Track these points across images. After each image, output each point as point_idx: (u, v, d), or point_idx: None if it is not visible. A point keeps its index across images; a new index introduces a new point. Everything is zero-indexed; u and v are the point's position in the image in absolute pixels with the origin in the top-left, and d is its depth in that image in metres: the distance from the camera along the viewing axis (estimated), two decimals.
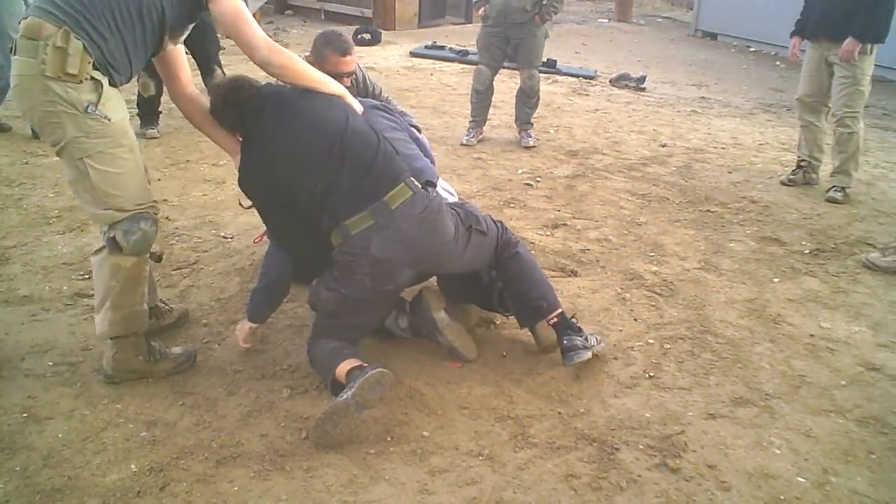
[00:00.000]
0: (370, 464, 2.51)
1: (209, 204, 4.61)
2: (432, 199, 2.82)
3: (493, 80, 6.07)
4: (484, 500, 2.38)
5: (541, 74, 6.32)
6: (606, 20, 13.96)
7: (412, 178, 2.79)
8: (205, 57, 5.80)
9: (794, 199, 5.20)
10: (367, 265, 2.71)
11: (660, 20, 14.51)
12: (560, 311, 3.07)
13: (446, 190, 3.45)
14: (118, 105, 2.62)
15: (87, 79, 2.49)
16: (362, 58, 8.39)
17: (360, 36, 10.34)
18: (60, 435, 2.58)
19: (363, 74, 3.93)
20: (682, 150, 6.30)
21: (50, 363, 2.97)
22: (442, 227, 2.82)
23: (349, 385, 2.56)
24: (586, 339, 3.03)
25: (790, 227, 4.67)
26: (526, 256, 3.11)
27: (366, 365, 2.63)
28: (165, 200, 4.56)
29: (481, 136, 6.30)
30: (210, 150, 5.61)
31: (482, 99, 6.14)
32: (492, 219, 3.12)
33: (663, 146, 6.38)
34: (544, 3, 5.69)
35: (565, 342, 2.99)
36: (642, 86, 8.70)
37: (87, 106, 2.50)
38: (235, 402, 2.79)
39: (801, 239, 4.50)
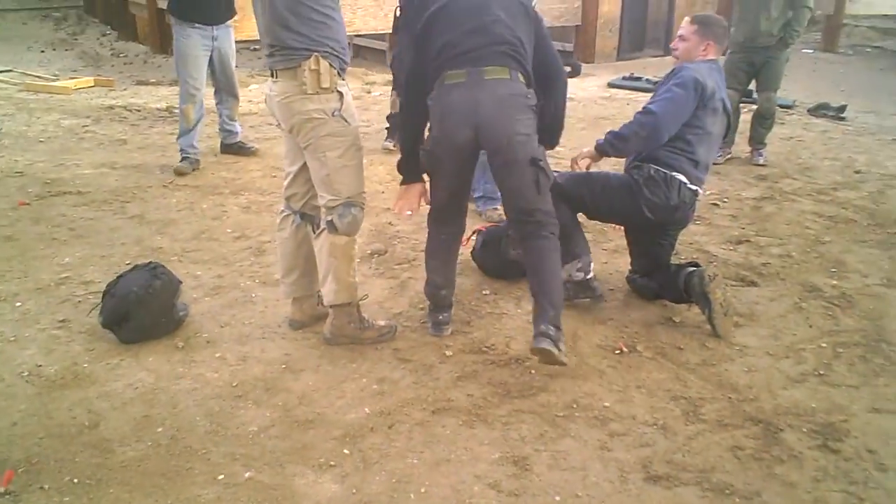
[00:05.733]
0: (558, 423, 2.97)
1: (425, 211, 5.22)
2: (523, 95, 3.17)
3: (738, 103, 6.44)
4: (656, 459, 2.77)
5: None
6: (811, 50, 13.56)
7: (518, 72, 3.17)
8: None
9: None
10: (438, 112, 3.24)
11: (869, 50, 13.94)
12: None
13: None
14: (355, 113, 3.34)
15: (335, 90, 3.22)
16: None
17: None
18: (311, 383, 3.24)
19: None
20: (878, 175, 6.28)
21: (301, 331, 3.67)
22: (514, 118, 3.14)
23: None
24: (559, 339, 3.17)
25: None
26: (547, 249, 3.30)
27: None
28: (387, 209, 5.24)
29: (729, 156, 6.70)
30: None
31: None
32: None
33: (857, 172, 6.38)
34: (788, 28, 6.14)
35: (542, 327, 3.15)
36: (842, 115, 8.54)
37: (334, 111, 3.22)
38: (447, 369, 3.34)
39: None
